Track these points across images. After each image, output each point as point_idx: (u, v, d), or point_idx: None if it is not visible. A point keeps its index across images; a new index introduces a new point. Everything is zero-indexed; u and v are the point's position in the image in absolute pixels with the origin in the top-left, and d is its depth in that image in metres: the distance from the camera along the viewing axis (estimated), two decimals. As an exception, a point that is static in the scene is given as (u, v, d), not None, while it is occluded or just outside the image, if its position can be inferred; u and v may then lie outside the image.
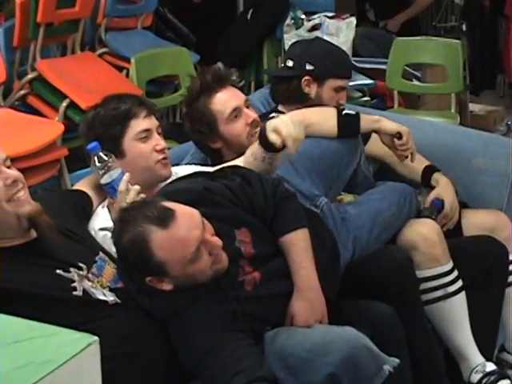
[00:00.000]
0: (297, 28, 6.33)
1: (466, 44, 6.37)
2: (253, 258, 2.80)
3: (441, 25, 7.76)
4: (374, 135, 3.54)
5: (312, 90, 3.80)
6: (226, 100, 3.41)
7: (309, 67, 3.80)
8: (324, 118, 3.38)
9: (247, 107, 3.45)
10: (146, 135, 3.10)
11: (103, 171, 2.93)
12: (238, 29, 6.58)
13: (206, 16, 6.80)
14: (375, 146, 3.65)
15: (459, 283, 3.28)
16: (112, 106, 3.13)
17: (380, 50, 6.95)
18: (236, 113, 3.40)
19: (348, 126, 3.34)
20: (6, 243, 2.58)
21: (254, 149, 3.12)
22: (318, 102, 3.76)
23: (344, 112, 3.39)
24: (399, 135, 3.41)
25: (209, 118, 3.40)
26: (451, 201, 3.55)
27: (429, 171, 3.68)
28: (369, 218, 3.25)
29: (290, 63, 3.86)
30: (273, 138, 2.97)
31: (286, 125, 2.99)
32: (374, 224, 3.24)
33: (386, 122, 3.45)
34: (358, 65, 6.41)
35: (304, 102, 3.76)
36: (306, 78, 3.80)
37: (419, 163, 3.64)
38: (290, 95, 3.75)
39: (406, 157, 3.46)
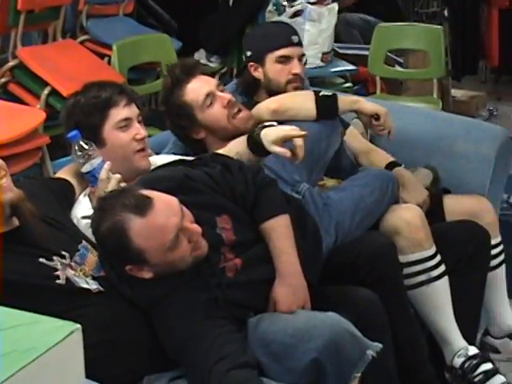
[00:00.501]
0: (279, 14, 6.32)
1: (448, 30, 6.38)
2: (234, 245, 2.81)
3: (423, 11, 7.77)
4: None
5: (259, 73, 3.76)
6: (197, 88, 3.42)
7: (248, 53, 3.80)
8: (302, 102, 3.40)
9: (221, 91, 3.45)
10: (125, 124, 3.09)
11: (84, 160, 2.93)
12: (220, 15, 6.57)
13: (187, 2, 6.79)
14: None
15: (442, 268, 3.29)
16: (92, 94, 3.12)
17: (362, 36, 6.97)
18: (210, 98, 3.40)
19: (326, 108, 3.35)
20: (-14, 232, 2.59)
21: (240, 150, 3.12)
22: (269, 82, 3.74)
23: (321, 94, 3.39)
24: (377, 116, 3.45)
25: (185, 109, 3.40)
26: (416, 196, 3.55)
27: (391, 166, 3.68)
28: (351, 203, 3.26)
29: (248, 53, 3.85)
30: (276, 149, 2.97)
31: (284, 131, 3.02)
32: (356, 209, 3.25)
33: (365, 102, 3.48)
34: (340, 51, 6.48)
35: (259, 87, 3.77)
36: (250, 64, 3.78)
37: (384, 160, 3.65)
38: (246, 85, 3.75)
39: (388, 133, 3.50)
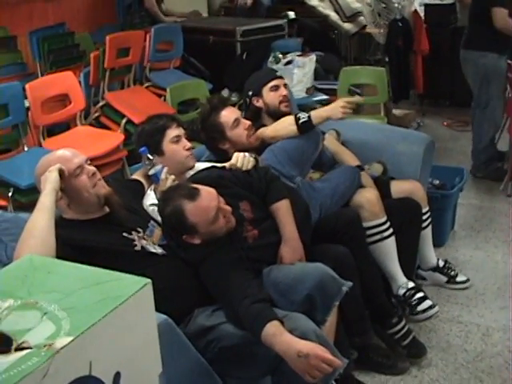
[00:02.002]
0: (276, 63, 6.28)
1: (389, 70, 6.35)
2: (252, 221, 2.82)
3: (371, 57, 7.72)
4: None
5: (260, 103, 3.71)
6: (228, 114, 3.40)
7: (250, 93, 3.74)
8: (287, 126, 3.37)
9: (242, 118, 3.45)
10: (177, 139, 3.09)
11: (150, 166, 2.99)
12: (237, 65, 6.56)
13: (215, 58, 6.77)
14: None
15: (390, 230, 3.28)
16: (153, 122, 3.15)
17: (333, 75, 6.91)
18: (236, 122, 3.38)
19: (304, 125, 3.30)
20: (89, 216, 2.60)
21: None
22: (268, 108, 3.69)
23: (298, 115, 3.35)
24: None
25: (219, 127, 3.38)
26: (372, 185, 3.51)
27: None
28: (331, 189, 3.25)
29: (249, 93, 3.79)
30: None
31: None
32: (334, 193, 3.23)
33: (328, 110, 3.41)
34: (318, 86, 6.43)
35: (262, 114, 3.71)
36: (253, 98, 3.73)
37: (352, 161, 3.61)
38: (254, 115, 3.70)
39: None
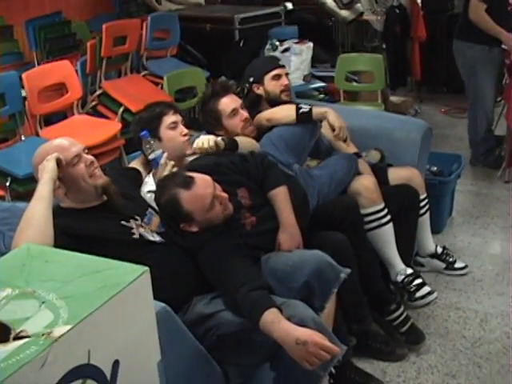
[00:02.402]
0: (273, 50, 6.27)
1: (386, 57, 6.33)
2: (250, 208, 2.81)
3: (369, 44, 7.71)
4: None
5: (261, 91, 3.73)
6: (228, 102, 3.38)
7: (251, 79, 3.75)
8: (286, 113, 3.39)
9: (242, 108, 3.41)
10: (174, 126, 3.11)
11: (150, 151, 3.01)
12: (234, 52, 6.55)
13: (212, 45, 6.75)
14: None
15: (388, 216, 3.28)
16: (151, 109, 3.18)
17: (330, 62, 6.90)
18: (234, 112, 3.36)
19: (304, 116, 3.32)
20: (87, 205, 2.58)
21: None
22: (269, 95, 3.71)
23: (300, 105, 3.36)
24: (334, 128, 3.44)
25: (216, 114, 3.37)
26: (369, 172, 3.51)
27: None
28: (328, 176, 3.24)
29: (250, 79, 3.79)
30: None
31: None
32: (331, 180, 3.23)
33: (331, 115, 3.45)
34: (315, 73, 6.42)
35: (262, 101, 3.72)
36: (254, 85, 3.74)
37: (350, 148, 3.60)
38: (253, 102, 3.70)
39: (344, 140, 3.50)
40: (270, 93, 3.71)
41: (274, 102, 3.65)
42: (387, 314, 3.23)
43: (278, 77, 3.71)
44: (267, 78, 3.71)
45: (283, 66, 3.82)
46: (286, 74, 3.77)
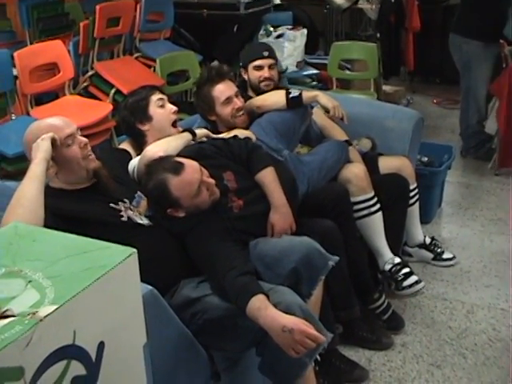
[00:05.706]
0: (267, 36, 6.27)
1: (380, 46, 6.32)
2: (237, 191, 2.81)
3: (362, 33, 7.70)
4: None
5: (246, 76, 3.76)
6: (222, 90, 3.34)
7: (241, 63, 3.81)
8: (276, 98, 3.40)
9: (237, 96, 3.38)
10: (161, 103, 3.13)
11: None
12: (228, 37, 6.52)
13: (206, 29, 6.71)
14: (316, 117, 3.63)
15: (378, 205, 3.29)
16: (136, 93, 3.20)
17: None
18: (228, 100, 3.33)
19: (294, 100, 3.33)
20: (76, 186, 2.57)
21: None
22: (250, 82, 3.74)
23: (290, 90, 3.38)
24: (327, 110, 3.44)
25: (209, 99, 3.34)
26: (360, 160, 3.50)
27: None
28: (318, 163, 3.24)
29: (241, 63, 3.83)
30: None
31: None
32: (322, 167, 3.23)
33: (322, 97, 3.45)
34: (309, 60, 6.42)
35: (247, 86, 3.76)
36: (241, 70, 3.80)
37: (340, 135, 3.61)
38: (241, 83, 3.72)
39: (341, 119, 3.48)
40: (251, 80, 3.74)
41: (255, 89, 3.72)
42: (370, 303, 3.26)
43: (259, 68, 3.71)
44: (250, 66, 3.73)
45: (269, 57, 3.75)
46: (270, 66, 3.72)
